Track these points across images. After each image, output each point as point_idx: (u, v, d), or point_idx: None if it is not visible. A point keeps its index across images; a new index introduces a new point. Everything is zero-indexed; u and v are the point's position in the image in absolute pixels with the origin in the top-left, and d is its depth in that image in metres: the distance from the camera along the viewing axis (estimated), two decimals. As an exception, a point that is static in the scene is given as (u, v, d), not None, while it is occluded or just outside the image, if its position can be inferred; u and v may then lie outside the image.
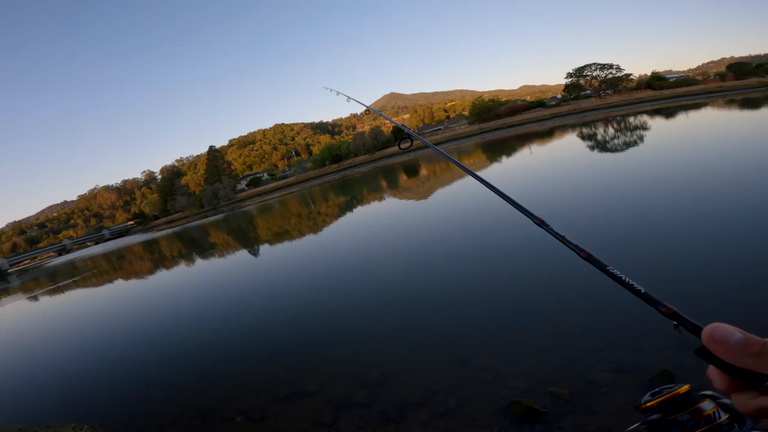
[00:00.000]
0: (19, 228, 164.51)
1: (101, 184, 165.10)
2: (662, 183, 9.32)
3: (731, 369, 0.44)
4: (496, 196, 1.04)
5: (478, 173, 1.16)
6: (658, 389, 0.62)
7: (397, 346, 4.97)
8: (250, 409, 4.38)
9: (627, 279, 0.66)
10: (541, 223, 0.90)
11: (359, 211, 18.98)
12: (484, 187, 1.08)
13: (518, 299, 5.40)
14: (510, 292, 5.68)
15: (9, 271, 68.64)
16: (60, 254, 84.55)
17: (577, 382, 3.47)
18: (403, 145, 1.72)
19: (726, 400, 0.54)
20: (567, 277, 5.52)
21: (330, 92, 3.60)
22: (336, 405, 4.03)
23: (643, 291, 0.62)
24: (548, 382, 3.54)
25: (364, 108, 2.83)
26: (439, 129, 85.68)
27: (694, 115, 26.14)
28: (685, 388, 0.59)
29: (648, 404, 0.60)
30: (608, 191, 9.92)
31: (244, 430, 4.07)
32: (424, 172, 30.14)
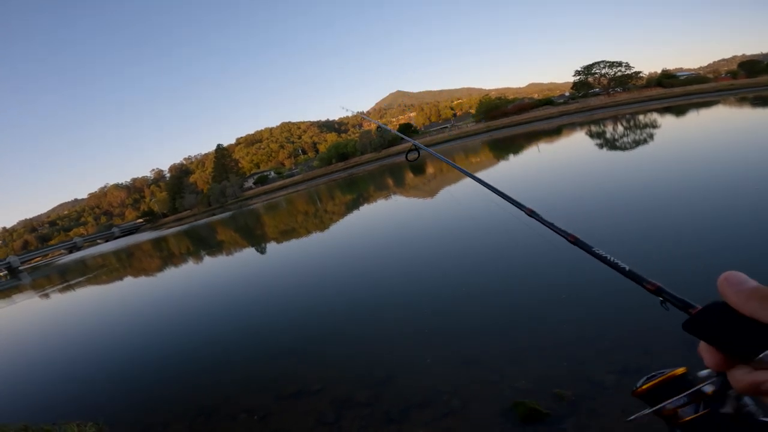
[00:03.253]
0: (30, 226, 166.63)
1: (111, 183, 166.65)
2: (668, 182, 9.20)
3: (722, 341, 0.43)
4: (493, 191, 1.12)
5: (477, 174, 1.20)
6: (653, 373, 0.60)
7: (402, 345, 4.96)
8: (253, 408, 4.40)
9: (612, 258, 0.67)
10: (531, 213, 0.95)
11: (365, 209, 18.98)
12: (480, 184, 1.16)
13: (525, 299, 5.36)
14: (517, 292, 5.64)
15: (20, 268, 69.55)
16: (71, 252, 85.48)
17: (582, 384, 3.44)
18: (411, 157, 1.77)
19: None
20: (575, 277, 5.48)
21: (346, 112, 3.73)
22: (339, 404, 4.03)
23: (627, 269, 0.63)
24: (552, 383, 3.51)
25: (377, 124, 3.11)
26: (446, 127, 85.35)
27: (705, 113, 25.79)
28: (681, 370, 0.57)
29: (642, 388, 0.59)
30: (615, 189, 9.81)
31: (248, 428, 4.09)
32: (430, 170, 30.05)
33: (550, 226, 0.85)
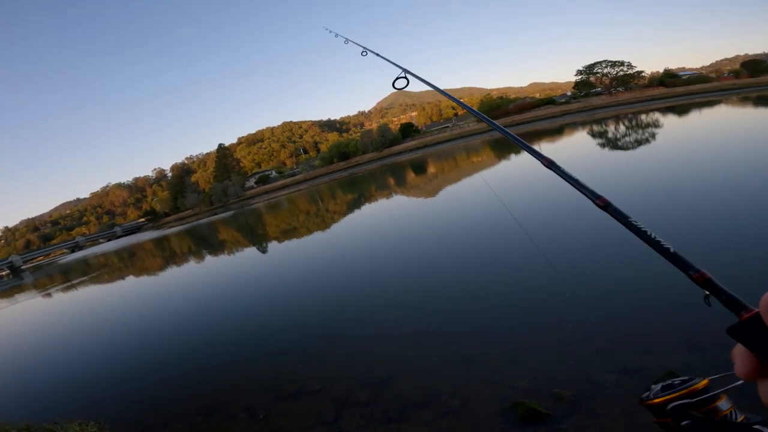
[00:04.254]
0: (32, 225, 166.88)
1: (113, 182, 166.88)
2: (671, 181, 9.17)
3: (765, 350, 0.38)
4: (509, 137, 1.01)
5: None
6: (669, 382, 0.56)
7: (402, 345, 4.96)
8: (253, 407, 4.40)
9: (652, 234, 0.54)
10: (549, 165, 0.81)
11: (366, 209, 18.98)
12: (498, 134, 1.05)
13: (525, 299, 5.35)
14: (517, 292, 5.63)
15: (23, 267, 69.68)
16: (73, 251, 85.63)
17: (581, 384, 3.43)
18: (398, 85, 1.74)
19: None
20: (575, 277, 5.47)
21: (329, 33, 3.47)
22: (339, 404, 4.04)
23: (671, 250, 0.51)
24: (552, 383, 3.51)
25: (362, 49, 2.52)
26: (447, 126, 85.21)
27: (708, 112, 25.70)
28: (703, 383, 0.53)
29: (657, 400, 0.55)
30: (618, 188, 9.78)
31: (248, 427, 4.09)
32: (431, 169, 30.03)
33: (573, 182, 0.69)
